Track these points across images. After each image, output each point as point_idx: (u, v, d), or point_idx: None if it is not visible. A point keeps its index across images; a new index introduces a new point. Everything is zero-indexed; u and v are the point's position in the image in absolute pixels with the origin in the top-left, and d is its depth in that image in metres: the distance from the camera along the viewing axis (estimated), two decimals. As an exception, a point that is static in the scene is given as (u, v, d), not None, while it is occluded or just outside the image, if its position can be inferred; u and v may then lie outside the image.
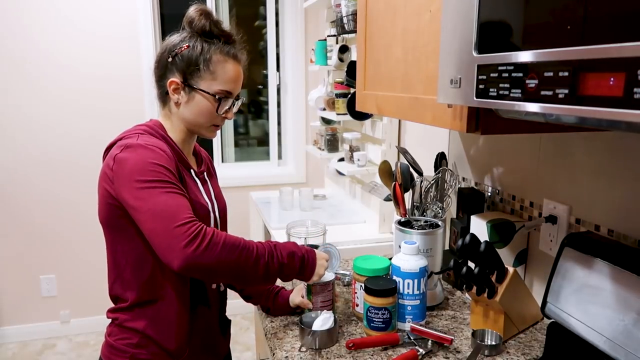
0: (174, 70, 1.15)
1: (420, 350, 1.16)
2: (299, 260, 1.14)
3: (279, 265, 1.11)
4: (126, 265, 1.14)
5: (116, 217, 1.11)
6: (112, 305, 1.20)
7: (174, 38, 1.17)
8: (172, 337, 1.15)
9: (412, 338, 1.20)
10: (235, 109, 1.23)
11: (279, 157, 3.58)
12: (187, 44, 1.15)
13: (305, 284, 1.29)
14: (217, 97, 1.16)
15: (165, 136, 1.16)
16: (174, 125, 1.20)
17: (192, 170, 1.21)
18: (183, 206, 1.03)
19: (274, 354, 1.19)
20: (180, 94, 1.16)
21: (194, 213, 1.13)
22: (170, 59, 1.15)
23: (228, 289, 1.35)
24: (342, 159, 2.63)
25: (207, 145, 3.32)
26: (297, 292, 1.32)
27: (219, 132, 1.26)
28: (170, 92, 1.16)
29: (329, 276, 1.30)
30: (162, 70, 1.17)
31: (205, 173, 1.27)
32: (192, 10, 1.16)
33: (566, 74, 0.61)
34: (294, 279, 1.19)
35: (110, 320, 1.21)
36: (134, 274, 1.13)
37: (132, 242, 1.12)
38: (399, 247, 1.29)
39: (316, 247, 1.40)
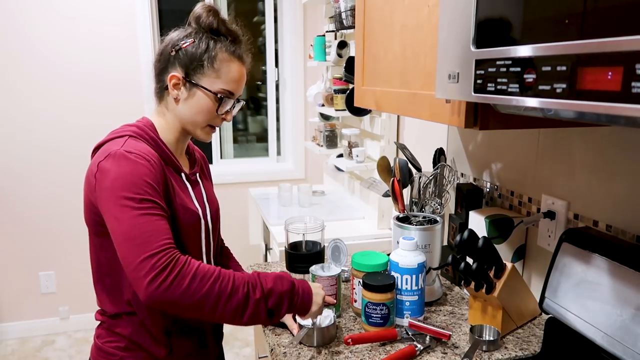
0: (176, 65, 1.12)
1: (419, 345, 1.16)
2: (288, 294, 1.05)
3: (261, 296, 1.02)
4: (110, 273, 1.10)
5: (98, 224, 1.07)
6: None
7: (179, 32, 1.14)
8: (161, 343, 1.13)
9: (410, 334, 1.20)
10: (234, 112, 1.20)
11: (278, 153, 3.58)
12: (192, 39, 1.11)
13: (312, 275, 1.30)
14: (218, 95, 1.12)
15: (155, 138, 1.12)
16: (168, 123, 1.16)
17: (182, 174, 1.17)
18: (158, 231, 0.98)
19: (272, 350, 1.19)
20: (181, 89, 1.12)
21: (182, 221, 1.10)
22: (173, 53, 1.12)
23: None
24: (340, 155, 2.63)
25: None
26: None
27: (216, 130, 1.23)
28: (170, 87, 1.12)
29: (335, 270, 1.31)
30: (164, 63, 1.13)
31: (198, 174, 1.23)
32: (199, 7, 1.14)
33: (564, 68, 0.60)
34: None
35: (99, 322, 1.18)
36: (120, 282, 1.10)
37: (115, 252, 1.04)
38: (398, 242, 1.29)
39: (318, 243, 1.40)
